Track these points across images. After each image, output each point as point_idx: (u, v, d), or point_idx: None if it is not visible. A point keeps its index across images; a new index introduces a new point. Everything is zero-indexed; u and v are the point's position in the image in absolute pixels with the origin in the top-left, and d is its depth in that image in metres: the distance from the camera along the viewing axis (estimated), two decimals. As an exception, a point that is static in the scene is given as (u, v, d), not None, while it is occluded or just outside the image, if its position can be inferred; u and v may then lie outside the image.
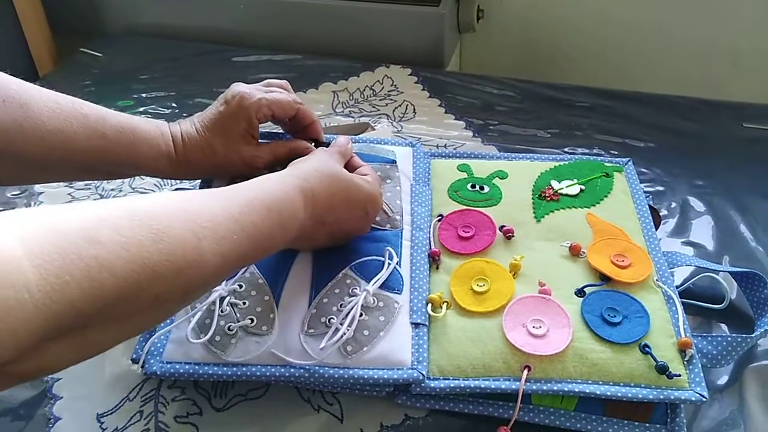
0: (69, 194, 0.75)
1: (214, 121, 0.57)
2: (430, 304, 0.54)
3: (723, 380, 0.54)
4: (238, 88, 0.57)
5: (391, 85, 0.92)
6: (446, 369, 0.50)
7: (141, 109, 0.88)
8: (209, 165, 0.57)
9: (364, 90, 0.91)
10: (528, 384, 0.48)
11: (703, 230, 0.68)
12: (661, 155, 0.77)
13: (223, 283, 0.53)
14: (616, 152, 0.78)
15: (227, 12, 1.07)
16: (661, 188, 0.73)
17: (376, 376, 0.49)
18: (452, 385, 0.49)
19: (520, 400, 0.48)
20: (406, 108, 0.87)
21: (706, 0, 1.02)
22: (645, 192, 0.67)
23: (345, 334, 0.49)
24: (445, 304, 0.54)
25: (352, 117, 0.85)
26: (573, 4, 1.08)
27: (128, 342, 0.52)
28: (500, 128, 0.82)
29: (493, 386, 0.49)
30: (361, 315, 0.51)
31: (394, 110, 0.87)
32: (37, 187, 0.75)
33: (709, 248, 0.65)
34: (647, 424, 0.49)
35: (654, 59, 1.10)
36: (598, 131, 0.81)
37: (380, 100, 0.89)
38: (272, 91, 0.60)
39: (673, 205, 0.71)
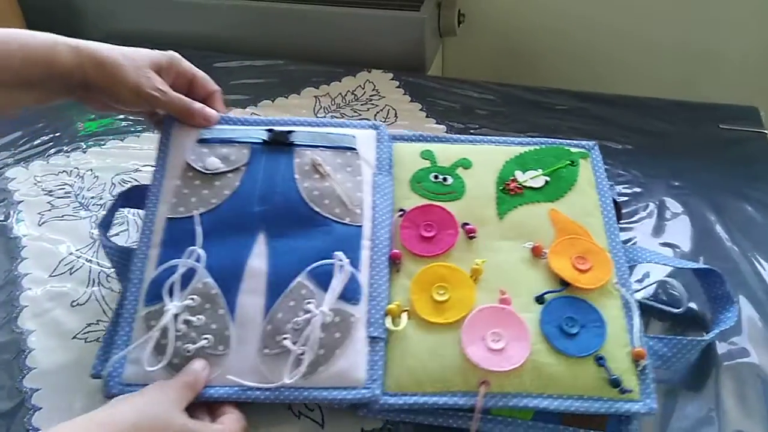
0: (48, 202, 0.74)
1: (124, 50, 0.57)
2: (389, 317, 0.53)
3: (700, 379, 0.55)
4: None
5: (373, 90, 0.92)
6: (405, 384, 0.50)
7: (121, 116, 0.88)
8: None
9: (345, 95, 0.91)
10: (485, 399, 0.49)
11: (679, 231, 0.68)
12: (639, 157, 0.78)
13: (176, 297, 0.52)
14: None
15: (208, 18, 1.07)
16: (638, 189, 0.74)
17: (330, 397, 0.49)
18: (410, 401, 0.49)
19: (477, 417, 0.48)
20: (388, 112, 0.88)
21: (682, 3, 1.04)
22: (613, 183, 0.66)
23: (304, 359, 0.49)
24: (405, 313, 0.53)
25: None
26: (552, 9, 1.10)
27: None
28: (480, 131, 0.83)
29: (450, 402, 0.49)
30: None
31: (375, 115, 0.87)
32: (16, 196, 0.75)
33: (686, 249, 0.66)
34: None
35: (632, 62, 1.12)
36: (576, 133, 0.82)
37: (362, 104, 0.89)
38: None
39: (650, 206, 0.72)
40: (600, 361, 0.50)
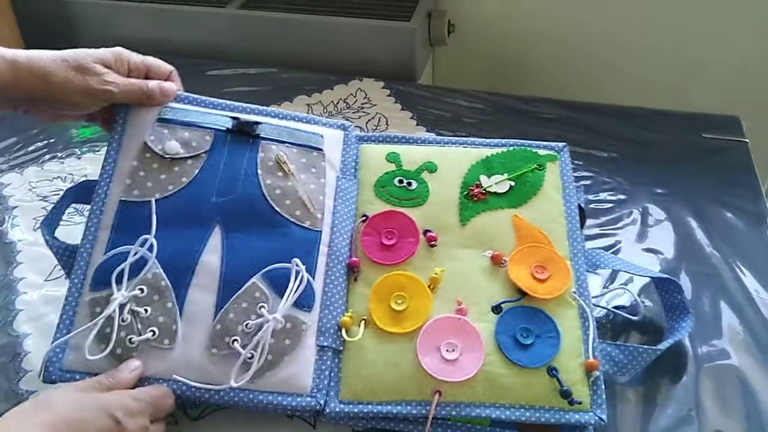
0: (43, 208, 0.75)
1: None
2: (343, 329, 0.53)
3: (680, 380, 0.56)
4: None
5: (365, 98, 0.94)
6: (360, 393, 0.51)
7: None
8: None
9: (338, 103, 0.93)
10: (438, 408, 0.50)
11: (662, 237, 0.70)
12: (624, 165, 0.80)
13: (124, 287, 0.51)
14: (580, 162, 0.80)
15: (202, 26, 1.08)
16: (622, 196, 0.76)
17: (275, 402, 0.50)
18: (365, 410, 0.50)
19: (429, 426, 0.49)
20: (379, 120, 0.89)
21: (669, 14, 1.06)
22: (583, 187, 0.68)
23: (253, 364, 0.49)
24: (363, 321, 0.54)
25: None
26: (541, 20, 1.12)
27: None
28: (470, 140, 0.85)
29: (404, 411, 0.50)
30: None
31: (367, 123, 0.89)
32: (11, 202, 0.76)
33: (668, 255, 0.68)
34: None
35: (620, 70, 1.14)
36: (562, 142, 0.83)
37: (354, 112, 0.91)
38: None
39: (634, 212, 0.73)
40: (552, 372, 0.51)
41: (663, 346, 0.56)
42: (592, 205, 0.74)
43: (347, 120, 0.89)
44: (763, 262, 0.67)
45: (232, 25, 1.07)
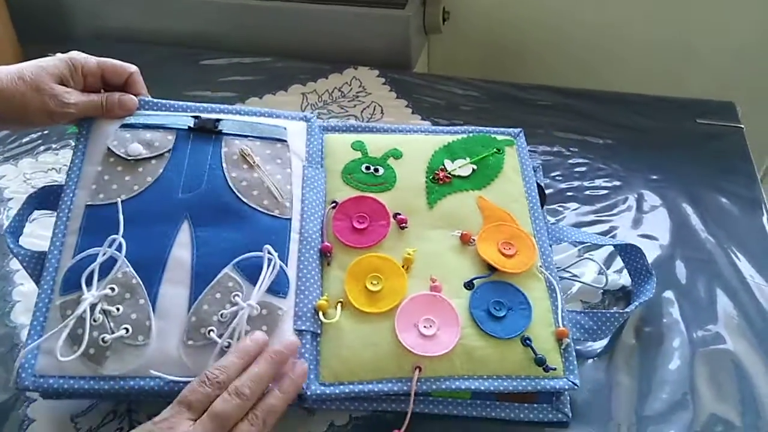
0: (39, 199, 0.75)
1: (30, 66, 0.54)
2: (320, 312, 0.53)
3: (675, 364, 0.57)
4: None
5: (360, 87, 0.94)
6: (340, 374, 0.51)
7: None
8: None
9: (332, 92, 0.93)
10: (419, 384, 0.50)
11: (657, 223, 0.71)
12: (619, 151, 0.80)
13: (94, 287, 0.50)
14: (575, 149, 0.80)
15: (196, 15, 1.07)
16: (618, 183, 0.76)
17: None
18: (346, 390, 0.51)
19: (412, 401, 0.50)
20: (374, 109, 0.89)
21: (664, 0, 1.06)
22: (539, 165, 0.70)
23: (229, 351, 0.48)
24: (339, 304, 0.54)
25: (321, 119, 0.87)
26: (536, 6, 1.11)
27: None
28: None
29: (385, 389, 0.50)
30: None
31: (362, 111, 0.88)
32: (6, 193, 0.76)
33: (663, 240, 0.68)
34: (535, 405, 0.53)
35: (615, 56, 1.13)
36: (558, 129, 0.84)
37: (349, 101, 0.91)
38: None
39: (629, 199, 0.74)
40: (526, 341, 0.53)
41: (629, 309, 0.58)
42: (587, 192, 0.75)
43: (342, 109, 0.89)
44: (758, 247, 0.67)
45: (226, 14, 1.06)
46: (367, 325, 0.53)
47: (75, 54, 0.58)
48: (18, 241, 0.57)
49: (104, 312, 0.50)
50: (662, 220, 0.71)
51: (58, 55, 0.57)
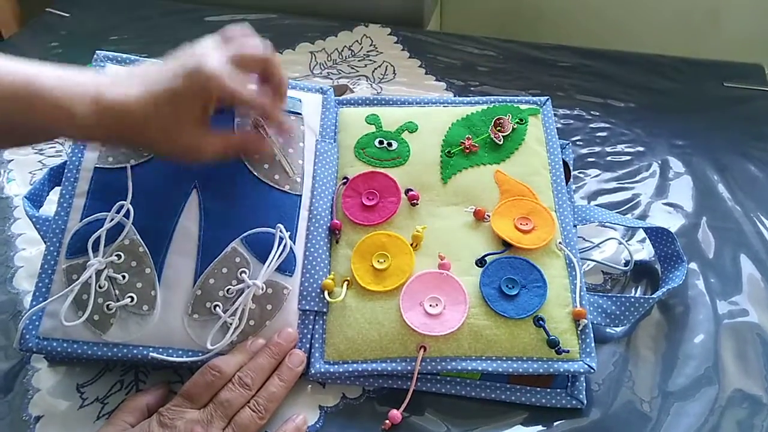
0: (39, 161, 0.72)
1: (160, 97, 0.46)
2: (326, 291, 0.53)
3: (699, 338, 0.55)
4: (203, 61, 0.47)
5: (370, 45, 0.90)
6: (345, 352, 0.51)
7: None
8: (138, 143, 0.51)
9: (342, 50, 0.89)
10: (424, 364, 0.49)
11: (682, 190, 0.68)
12: (642, 115, 0.77)
13: (100, 253, 0.50)
14: (597, 113, 0.77)
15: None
16: (641, 149, 0.73)
17: None
18: (350, 368, 0.50)
19: (414, 381, 0.49)
20: (386, 69, 0.85)
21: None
22: (568, 141, 0.67)
23: (234, 329, 0.49)
24: (346, 282, 0.53)
25: (331, 79, 0.84)
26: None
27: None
28: (481, 89, 0.81)
29: (389, 368, 0.49)
30: None
31: (373, 71, 0.85)
32: (6, 155, 0.73)
33: (688, 209, 0.66)
34: (549, 389, 0.50)
35: (635, 19, 1.09)
36: (579, 91, 0.80)
37: (359, 60, 0.87)
38: (239, 56, 0.49)
39: (653, 165, 0.71)
40: (539, 321, 0.50)
41: (657, 295, 0.55)
42: (609, 158, 0.72)
43: (353, 69, 0.85)
44: (786, 216, 0.65)
45: (231, -32, 1.01)
46: (372, 303, 0.52)
47: (215, 87, 0.46)
48: (35, 208, 0.57)
49: (110, 279, 0.50)
50: (687, 188, 0.68)
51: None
